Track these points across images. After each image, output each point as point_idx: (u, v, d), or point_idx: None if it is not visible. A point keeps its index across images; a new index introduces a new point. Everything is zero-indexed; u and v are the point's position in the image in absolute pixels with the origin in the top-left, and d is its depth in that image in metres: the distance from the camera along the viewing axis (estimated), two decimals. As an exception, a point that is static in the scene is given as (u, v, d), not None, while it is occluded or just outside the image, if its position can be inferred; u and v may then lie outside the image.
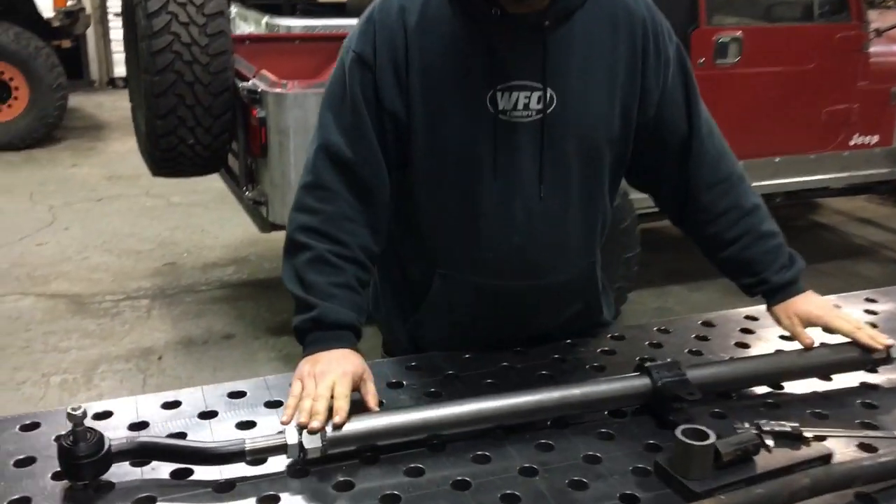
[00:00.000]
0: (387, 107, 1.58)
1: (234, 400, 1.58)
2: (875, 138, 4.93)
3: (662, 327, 1.92)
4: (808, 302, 1.70)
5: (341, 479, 1.34)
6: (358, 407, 1.43)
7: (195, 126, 3.71)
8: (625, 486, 1.33)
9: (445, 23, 1.57)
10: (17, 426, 1.48)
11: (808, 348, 1.65)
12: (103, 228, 5.80)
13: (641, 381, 1.52)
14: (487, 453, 1.41)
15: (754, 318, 1.96)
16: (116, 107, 9.21)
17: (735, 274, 1.78)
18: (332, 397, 1.39)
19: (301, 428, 1.35)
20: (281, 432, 1.36)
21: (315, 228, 1.58)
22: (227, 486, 1.32)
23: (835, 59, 4.66)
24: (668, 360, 1.57)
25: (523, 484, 1.33)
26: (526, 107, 1.57)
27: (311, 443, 1.35)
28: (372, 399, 1.48)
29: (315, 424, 1.35)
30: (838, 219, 6.53)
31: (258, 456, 1.35)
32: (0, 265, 5.11)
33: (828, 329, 1.67)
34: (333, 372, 1.45)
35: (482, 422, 1.45)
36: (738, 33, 4.38)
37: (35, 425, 1.48)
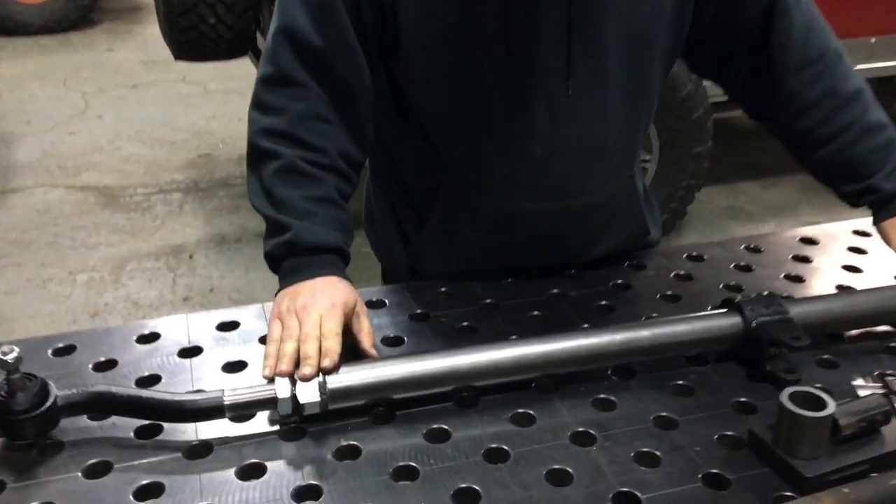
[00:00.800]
0: None
1: (224, 333, 1.30)
2: None
3: (752, 245, 1.57)
4: None
5: (344, 443, 1.06)
6: (356, 352, 1.14)
7: (215, 3, 3.35)
8: (709, 461, 1.02)
9: None
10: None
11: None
12: (137, 117, 5.55)
13: (730, 320, 1.19)
14: (531, 412, 1.12)
15: (866, 234, 1.59)
16: (154, -12, 8.79)
17: (834, 179, 1.41)
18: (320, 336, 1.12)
19: (288, 378, 1.08)
20: (272, 381, 1.08)
21: (282, 132, 1.25)
22: (201, 450, 1.05)
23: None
24: (765, 292, 1.23)
25: (576, 456, 1.04)
26: None
27: (308, 396, 1.07)
28: (366, 338, 1.19)
29: (306, 371, 1.08)
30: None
31: (241, 412, 1.08)
32: (30, 155, 4.92)
33: None
34: (319, 305, 1.16)
35: (526, 370, 1.15)
36: None
37: None
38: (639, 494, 0.97)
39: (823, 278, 1.45)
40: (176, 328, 1.30)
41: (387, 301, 1.38)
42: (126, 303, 3.49)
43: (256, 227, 4.11)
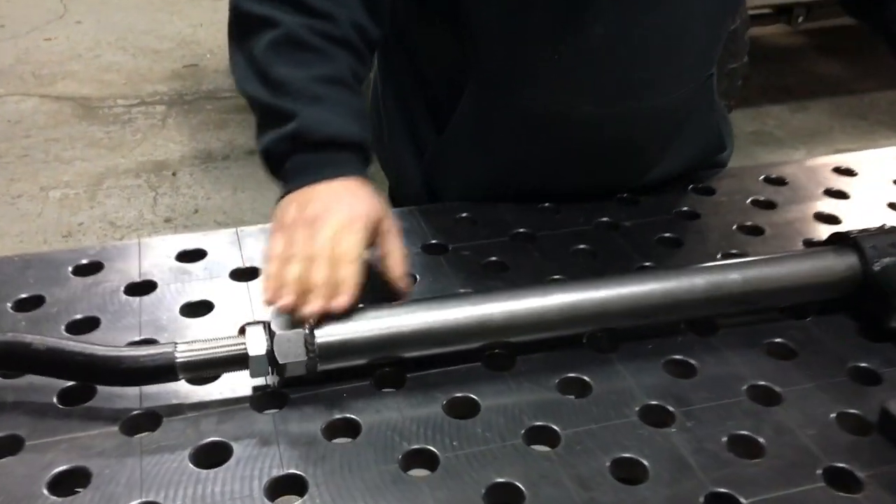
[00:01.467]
0: None
1: (185, 264, 1.02)
2: None
3: (844, 166, 1.27)
4: None
5: (338, 416, 0.80)
6: (368, 287, 0.86)
7: None
8: (829, 450, 0.76)
9: None
10: None
11: None
12: (119, 23, 5.15)
13: (845, 261, 0.91)
14: (584, 377, 0.85)
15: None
16: None
17: None
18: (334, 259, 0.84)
19: (283, 311, 0.80)
20: (243, 331, 0.81)
21: None
22: (144, 423, 0.79)
23: None
24: (885, 224, 0.95)
25: (650, 441, 0.77)
26: None
27: (290, 353, 0.79)
28: (396, 265, 0.90)
29: (311, 308, 0.81)
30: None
31: (200, 372, 0.81)
32: (2, 61, 4.55)
33: None
34: (335, 217, 0.87)
35: (575, 323, 0.87)
36: None
37: None
38: (741, 499, 0.71)
39: (936, 209, 1.17)
40: (125, 257, 1.02)
41: (393, 227, 1.10)
42: (102, 223, 3.19)
43: (246, 144, 3.79)
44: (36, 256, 1.03)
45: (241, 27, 0.98)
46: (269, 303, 0.83)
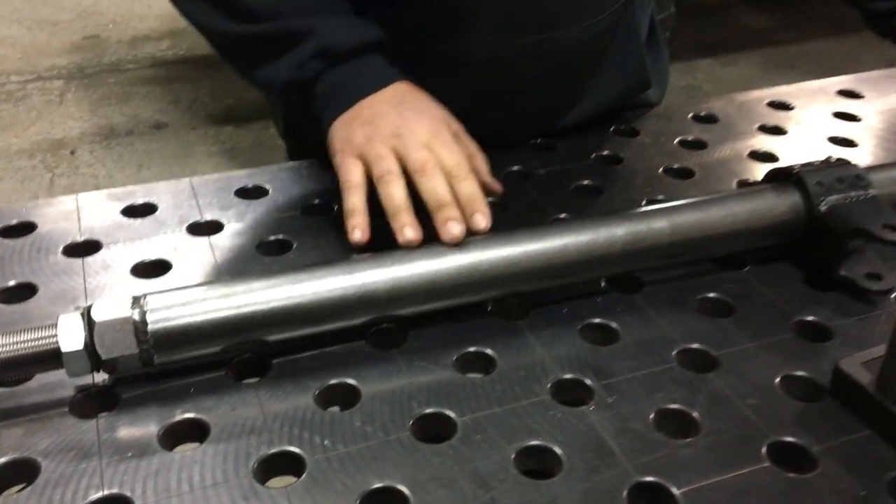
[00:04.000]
0: None
1: (132, 220, 0.85)
2: None
3: (779, 100, 1.15)
4: None
5: (180, 417, 0.64)
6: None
7: None
8: (774, 422, 0.64)
9: None
10: None
11: None
12: (12, -6, 4.80)
13: (787, 200, 0.79)
14: (488, 350, 0.71)
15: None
16: None
17: None
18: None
19: (80, 314, 0.64)
20: (66, 316, 0.64)
21: None
22: (-72, 442, 0.62)
23: None
24: (834, 157, 0.83)
25: (563, 423, 0.63)
26: None
27: (115, 345, 0.63)
28: (483, 166, 0.81)
29: (455, 229, 0.71)
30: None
31: (2, 375, 0.64)
32: None
33: None
34: (418, 123, 0.78)
35: (478, 289, 0.73)
36: None
37: None
38: (672, 489, 0.58)
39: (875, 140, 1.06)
40: (61, 215, 0.85)
41: (269, 187, 0.94)
42: (-7, 208, 2.94)
43: (151, 118, 3.55)
44: None
45: None
46: (358, 245, 0.73)
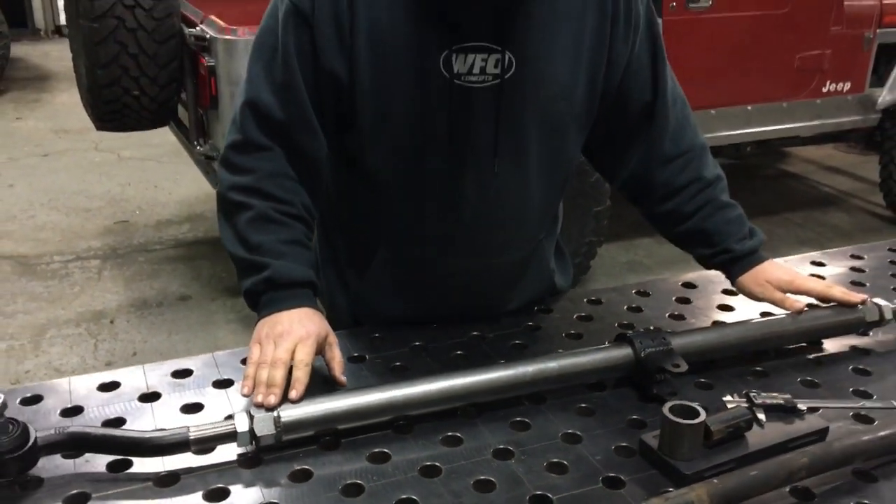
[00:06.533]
0: (325, 66, 1.39)
1: (178, 380, 1.44)
2: (847, 85, 4.85)
3: (641, 289, 1.81)
4: (776, 268, 1.59)
5: (297, 467, 1.22)
6: (318, 380, 1.30)
7: (139, 76, 3.48)
8: (608, 467, 1.22)
9: None
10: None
11: (798, 313, 1.55)
12: (50, 185, 5.54)
13: (623, 352, 1.41)
14: (459, 434, 1.30)
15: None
16: (63, 56, 8.74)
17: (693, 245, 1.65)
18: (291, 363, 1.29)
19: (257, 406, 1.23)
20: (230, 417, 1.23)
21: (252, 187, 1.43)
22: (169, 479, 1.19)
23: (808, 3, 4.54)
24: (651, 327, 1.46)
25: (498, 468, 1.22)
26: (483, 70, 1.39)
27: (264, 429, 1.22)
28: (337, 367, 1.37)
29: (271, 399, 1.24)
30: (807, 167, 6.49)
31: (204, 445, 1.22)
32: (-61, 226, 4.85)
33: (799, 292, 1.57)
34: (294, 333, 1.33)
35: (452, 400, 1.33)
36: (710, -23, 4.23)
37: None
38: (551, 496, 1.16)
39: (702, 315, 1.70)
40: (133, 377, 1.43)
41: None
42: (48, 369, 3.49)
43: (177, 291, 4.18)
44: (69, 380, 1.42)
45: (227, 209, 1.46)
46: (246, 395, 1.27)
